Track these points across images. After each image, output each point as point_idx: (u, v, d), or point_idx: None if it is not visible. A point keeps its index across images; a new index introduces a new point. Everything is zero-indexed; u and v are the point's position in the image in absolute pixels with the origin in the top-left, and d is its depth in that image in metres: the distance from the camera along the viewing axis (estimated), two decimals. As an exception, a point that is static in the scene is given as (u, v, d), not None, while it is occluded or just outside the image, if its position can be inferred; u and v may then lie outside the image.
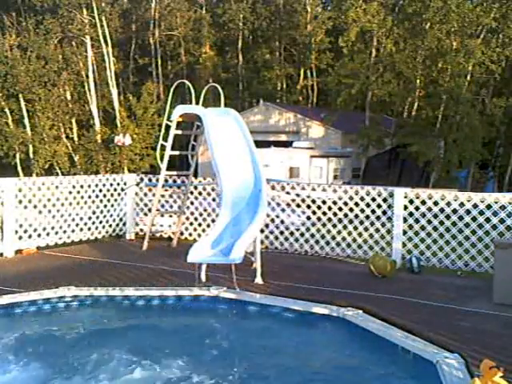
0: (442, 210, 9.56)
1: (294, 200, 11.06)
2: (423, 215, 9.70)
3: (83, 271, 8.89)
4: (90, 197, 11.18)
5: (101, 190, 11.33)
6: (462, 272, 9.36)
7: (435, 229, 9.62)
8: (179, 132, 10.54)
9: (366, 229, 10.14)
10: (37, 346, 6.24)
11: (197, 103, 10.44)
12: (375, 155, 28.85)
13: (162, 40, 38.06)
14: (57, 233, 10.69)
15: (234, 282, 7.73)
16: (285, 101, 38.88)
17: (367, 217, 10.14)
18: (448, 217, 9.50)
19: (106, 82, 32.81)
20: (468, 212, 9.36)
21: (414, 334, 6.14)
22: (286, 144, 28.28)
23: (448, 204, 9.52)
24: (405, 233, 9.75)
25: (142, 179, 11.89)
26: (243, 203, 8.45)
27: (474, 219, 9.31)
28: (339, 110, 29.32)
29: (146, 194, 11.79)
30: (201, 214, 11.44)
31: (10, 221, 9.89)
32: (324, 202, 10.48)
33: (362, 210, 10.16)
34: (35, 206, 10.34)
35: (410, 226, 9.74)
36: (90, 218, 11.20)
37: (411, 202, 9.76)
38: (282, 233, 10.79)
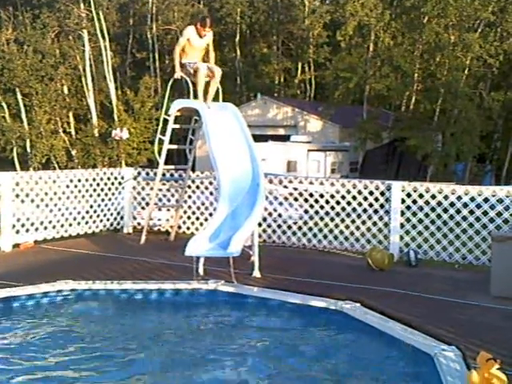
0: (439, 204, 9.57)
1: (291, 194, 11.07)
2: (421, 208, 9.71)
3: (81, 265, 8.89)
4: (87, 191, 11.17)
5: (98, 184, 11.33)
6: (460, 265, 9.38)
7: (433, 222, 9.64)
8: (177, 126, 10.54)
9: (364, 222, 10.15)
10: (34, 340, 6.24)
11: (195, 97, 10.42)
12: (373, 149, 28.83)
13: (160, 34, 37.93)
14: (54, 227, 10.69)
15: (232, 276, 7.74)
16: (282, 95, 38.81)
17: (365, 210, 10.15)
18: (445, 210, 9.51)
19: (104, 76, 32.69)
20: (465, 205, 9.38)
21: (412, 326, 6.16)
22: (284, 138, 28.25)
23: (445, 197, 9.53)
24: (402, 226, 9.77)
25: (139, 173, 11.88)
26: (241, 197, 8.45)
27: (471, 212, 9.33)
28: (337, 104, 29.28)
29: (143, 188, 11.79)
30: (198, 208, 11.45)
31: (7, 215, 9.88)
32: (322, 196, 10.49)
33: (360, 204, 10.17)
34: (33, 200, 10.33)
35: (408, 220, 9.76)
36: (87, 212, 11.20)
37: (409, 195, 9.78)
38: (279, 226, 10.80)
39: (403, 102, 29.04)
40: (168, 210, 11.63)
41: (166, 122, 10.29)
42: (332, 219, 10.35)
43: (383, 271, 8.90)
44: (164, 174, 10.89)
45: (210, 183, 11.24)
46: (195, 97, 10.28)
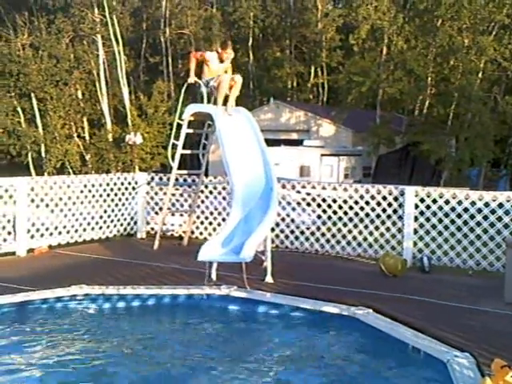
0: (453, 209, 9.52)
1: (304, 199, 11.06)
2: (434, 214, 9.66)
3: (95, 270, 8.94)
4: (101, 196, 11.25)
5: (112, 189, 11.40)
6: (474, 271, 9.32)
7: (446, 228, 9.59)
8: (191, 131, 10.57)
9: (377, 228, 10.12)
10: (49, 344, 6.30)
11: (208, 102, 10.46)
12: (386, 154, 28.72)
13: (173, 38, 38.12)
14: (68, 232, 10.77)
15: (245, 281, 7.76)
16: (295, 99, 38.82)
17: (378, 215, 10.12)
18: (459, 215, 9.46)
19: (117, 80, 32.91)
20: (479, 211, 9.32)
21: (425, 333, 6.14)
22: (297, 142, 28.23)
23: (459, 203, 9.48)
24: (416, 232, 9.73)
25: (152, 178, 11.93)
26: (254, 202, 8.46)
27: (485, 218, 9.27)
28: (349, 108, 29.22)
29: (156, 193, 11.84)
30: (211, 213, 11.47)
31: (22, 220, 9.98)
32: (334, 201, 10.48)
33: (373, 209, 10.14)
34: (47, 205, 10.42)
35: (421, 225, 9.71)
36: (101, 217, 11.27)
37: (422, 200, 9.73)
38: (292, 232, 10.80)
39: (416, 106, 28.91)
40: (181, 215, 11.67)
41: (179, 126, 10.33)
42: (345, 225, 10.33)
43: (396, 277, 8.87)
44: (177, 179, 10.93)
45: (223, 188, 11.27)
46: (209, 102, 10.33)
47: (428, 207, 9.70)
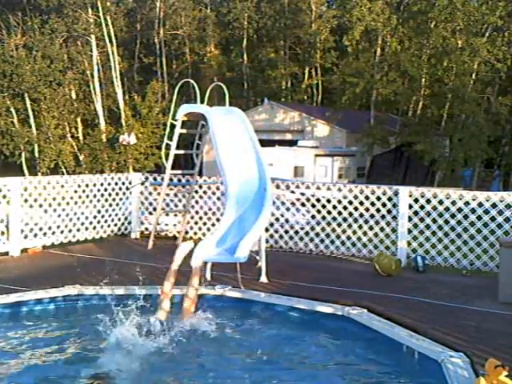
0: (447, 209, 9.55)
1: (298, 199, 11.07)
2: (428, 214, 9.69)
3: (88, 270, 8.89)
4: (95, 196, 11.22)
5: (106, 189, 11.37)
6: (467, 271, 9.35)
7: (440, 228, 9.62)
8: (184, 131, 10.56)
9: (371, 228, 10.14)
10: (41, 345, 6.27)
11: (202, 102, 10.44)
12: (380, 154, 28.77)
13: (167, 39, 38.08)
14: (62, 232, 10.73)
15: (239, 281, 7.74)
16: (289, 100, 38.84)
17: (372, 216, 10.14)
18: (453, 216, 9.49)
19: (111, 81, 32.84)
20: (473, 211, 9.35)
21: (419, 332, 6.15)
22: (291, 143, 28.24)
23: (453, 203, 9.51)
24: (410, 232, 9.75)
25: (146, 178, 11.92)
26: (248, 202, 8.44)
27: (479, 218, 9.30)
28: (344, 109, 29.26)
29: (150, 193, 11.82)
30: (205, 213, 11.46)
31: (16, 220, 9.94)
32: (329, 201, 10.48)
33: (367, 209, 10.16)
34: (41, 205, 10.38)
35: (415, 225, 9.73)
36: (95, 217, 11.24)
37: (416, 200, 9.75)
38: (286, 232, 10.80)
39: (410, 107, 28.99)
40: (175, 215, 11.65)
41: (173, 126, 10.32)
42: (339, 225, 10.34)
43: (390, 277, 8.88)
44: (171, 179, 10.91)
45: (217, 188, 11.26)
46: (202, 102, 10.32)
47: (422, 207, 9.73)
